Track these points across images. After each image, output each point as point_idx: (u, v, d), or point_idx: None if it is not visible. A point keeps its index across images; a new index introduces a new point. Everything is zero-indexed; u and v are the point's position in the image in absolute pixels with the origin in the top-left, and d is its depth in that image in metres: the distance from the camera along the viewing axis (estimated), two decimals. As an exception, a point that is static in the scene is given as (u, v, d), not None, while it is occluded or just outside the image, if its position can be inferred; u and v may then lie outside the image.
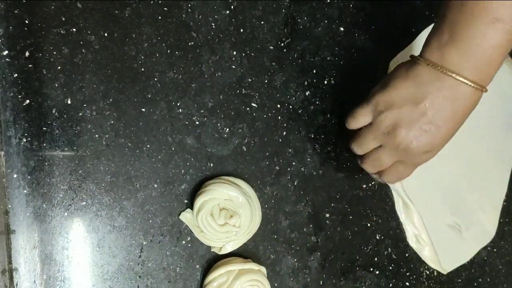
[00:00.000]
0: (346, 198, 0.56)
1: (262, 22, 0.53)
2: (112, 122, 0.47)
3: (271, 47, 0.53)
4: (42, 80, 0.45)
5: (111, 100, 0.47)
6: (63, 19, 0.46)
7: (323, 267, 0.55)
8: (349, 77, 0.56)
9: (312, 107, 0.55)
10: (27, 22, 0.44)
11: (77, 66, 0.46)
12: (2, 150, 0.44)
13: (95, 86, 0.46)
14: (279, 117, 0.53)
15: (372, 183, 0.58)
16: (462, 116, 0.43)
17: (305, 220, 0.54)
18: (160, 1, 0.49)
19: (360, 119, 0.47)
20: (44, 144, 0.45)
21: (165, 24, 0.49)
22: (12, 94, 0.44)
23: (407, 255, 0.59)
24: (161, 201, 0.49)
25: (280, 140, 0.53)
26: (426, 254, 0.59)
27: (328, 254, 0.55)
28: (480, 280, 0.63)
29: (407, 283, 0.59)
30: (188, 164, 0.50)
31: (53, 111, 0.45)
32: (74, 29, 0.46)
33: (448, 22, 0.41)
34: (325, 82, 0.56)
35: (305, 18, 0.55)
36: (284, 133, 0.54)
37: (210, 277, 0.48)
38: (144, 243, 0.48)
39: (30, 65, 0.44)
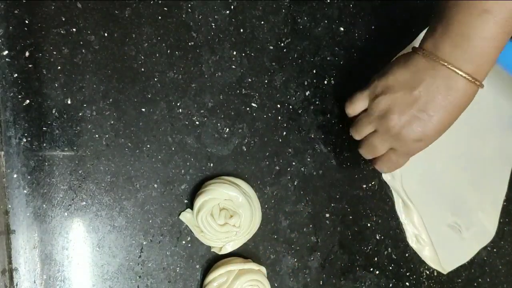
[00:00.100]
0: (346, 198, 0.56)
1: (262, 22, 0.53)
2: (112, 122, 0.47)
3: (271, 47, 0.53)
4: (42, 80, 0.45)
5: (111, 100, 0.47)
6: (63, 19, 0.46)
7: (323, 267, 0.55)
8: (349, 77, 0.56)
9: (312, 107, 0.55)
10: (27, 22, 0.44)
11: (77, 66, 0.46)
12: (2, 150, 0.44)
13: (95, 86, 0.46)
14: (279, 117, 0.53)
15: (372, 183, 0.58)
16: (455, 108, 0.43)
17: (305, 220, 0.54)
18: (160, 1, 0.49)
19: (357, 104, 0.49)
20: (44, 144, 0.45)
21: (165, 24, 0.49)
22: (12, 94, 0.44)
23: (407, 255, 0.59)
24: (161, 201, 0.49)
25: (280, 140, 0.53)
26: (426, 254, 0.59)
27: (328, 254, 0.55)
28: (480, 280, 0.63)
29: (407, 283, 0.59)
30: (188, 164, 0.50)
31: (53, 111, 0.45)
32: (74, 29, 0.46)
33: (441, 15, 0.43)
34: (325, 82, 0.56)
35: (305, 18, 0.55)
36: (284, 133, 0.54)
37: (210, 277, 0.48)
38: (144, 243, 0.48)
39: (30, 65, 0.44)
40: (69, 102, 0.46)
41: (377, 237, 0.58)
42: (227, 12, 0.51)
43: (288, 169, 0.54)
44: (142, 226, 0.48)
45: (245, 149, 0.52)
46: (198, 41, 0.50)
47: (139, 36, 0.48)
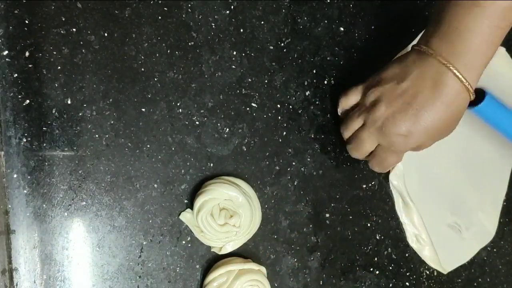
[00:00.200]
0: (346, 198, 0.56)
1: (262, 22, 0.53)
2: (112, 122, 0.47)
3: (271, 47, 0.53)
4: (42, 80, 0.45)
5: (111, 100, 0.47)
6: (63, 19, 0.46)
7: (323, 267, 0.55)
8: (349, 77, 0.56)
9: (312, 107, 0.55)
10: (27, 22, 0.44)
11: (77, 66, 0.46)
12: (2, 150, 0.44)
13: (95, 86, 0.46)
14: (279, 117, 0.53)
15: (372, 183, 0.58)
16: (442, 105, 0.43)
17: (305, 220, 0.54)
18: (160, 1, 0.49)
19: (351, 97, 0.50)
20: (44, 144, 0.45)
21: (165, 24, 0.49)
22: (12, 94, 0.44)
23: (407, 255, 0.59)
24: (161, 201, 0.49)
25: (280, 140, 0.53)
26: (426, 254, 0.59)
27: (328, 254, 0.55)
28: (480, 280, 0.63)
29: (407, 283, 0.59)
30: (188, 164, 0.50)
31: (53, 111, 0.45)
32: (74, 29, 0.46)
33: (435, 11, 0.44)
34: (325, 82, 0.56)
35: (305, 18, 0.55)
36: (284, 133, 0.54)
37: (210, 277, 0.48)
38: (144, 243, 0.48)
39: (30, 65, 0.44)
40: (69, 102, 0.46)
41: (377, 237, 0.58)
42: (227, 12, 0.51)
43: (288, 169, 0.54)
44: (142, 226, 0.48)
45: (245, 149, 0.52)
46: (198, 41, 0.50)
47: (139, 36, 0.48)
